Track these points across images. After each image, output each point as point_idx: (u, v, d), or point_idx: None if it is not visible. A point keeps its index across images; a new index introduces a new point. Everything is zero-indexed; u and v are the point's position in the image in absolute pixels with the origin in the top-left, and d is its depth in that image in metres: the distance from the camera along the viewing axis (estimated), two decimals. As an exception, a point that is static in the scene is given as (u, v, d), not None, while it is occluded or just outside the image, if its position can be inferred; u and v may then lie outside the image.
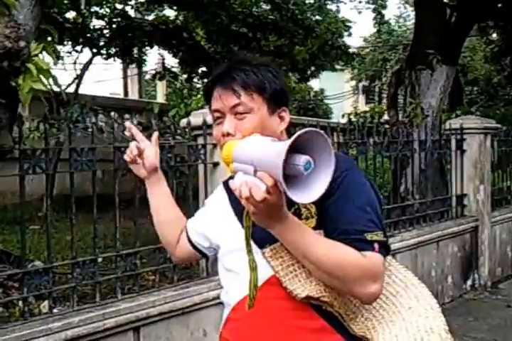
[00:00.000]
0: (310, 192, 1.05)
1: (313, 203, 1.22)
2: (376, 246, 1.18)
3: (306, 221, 1.22)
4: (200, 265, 3.30)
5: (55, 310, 2.64)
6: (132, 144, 1.47)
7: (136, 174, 1.51)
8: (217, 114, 1.32)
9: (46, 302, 2.78)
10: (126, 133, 1.54)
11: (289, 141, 0.99)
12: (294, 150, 1.02)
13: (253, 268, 1.17)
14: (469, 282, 5.30)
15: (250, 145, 1.11)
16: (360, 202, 1.22)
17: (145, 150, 1.47)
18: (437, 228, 4.90)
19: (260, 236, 1.21)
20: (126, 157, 1.48)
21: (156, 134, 1.52)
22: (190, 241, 1.50)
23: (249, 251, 1.17)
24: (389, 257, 1.34)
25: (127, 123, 1.53)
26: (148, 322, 2.80)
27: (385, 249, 1.21)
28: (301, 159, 1.02)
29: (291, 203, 1.17)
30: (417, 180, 5.32)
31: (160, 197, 1.53)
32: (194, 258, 1.61)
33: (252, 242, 1.22)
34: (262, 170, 1.03)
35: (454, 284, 5.06)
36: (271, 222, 1.13)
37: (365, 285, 1.15)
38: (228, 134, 1.27)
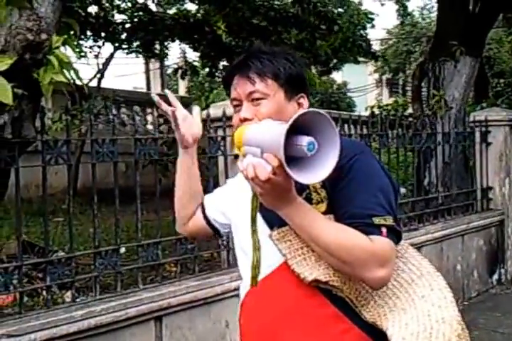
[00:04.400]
0: (315, 173, 1.06)
1: (323, 188, 1.23)
2: (384, 230, 1.16)
3: (316, 205, 1.22)
4: (222, 256, 3.31)
5: (77, 300, 2.67)
6: (168, 108, 1.44)
7: (178, 140, 1.49)
8: (235, 103, 1.35)
9: (69, 293, 2.81)
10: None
11: (290, 121, 1.01)
12: (299, 132, 1.04)
13: (256, 248, 1.18)
14: (495, 276, 5.21)
15: (259, 129, 1.13)
16: (370, 186, 1.20)
17: (187, 120, 1.45)
18: (462, 221, 4.83)
19: (271, 219, 1.22)
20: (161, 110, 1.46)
21: (197, 108, 1.52)
22: (205, 216, 1.52)
23: (254, 232, 1.18)
24: (405, 244, 1.32)
25: (166, 90, 1.53)
26: (171, 312, 2.81)
27: (395, 235, 1.19)
28: (304, 140, 1.04)
29: (302, 188, 1.18)
30: (441, 172, 5.25)
31: (185, 171, 1.51)
32: (204, 234, 1.59)
33: (264, 224, 1.24)
34: (268, 152, 1.05)
35: (479, 278, 4.99)
36: (278, 203, 1.14)
37: (372, 269, 1.14)
38: (245, 119, 1.29)
